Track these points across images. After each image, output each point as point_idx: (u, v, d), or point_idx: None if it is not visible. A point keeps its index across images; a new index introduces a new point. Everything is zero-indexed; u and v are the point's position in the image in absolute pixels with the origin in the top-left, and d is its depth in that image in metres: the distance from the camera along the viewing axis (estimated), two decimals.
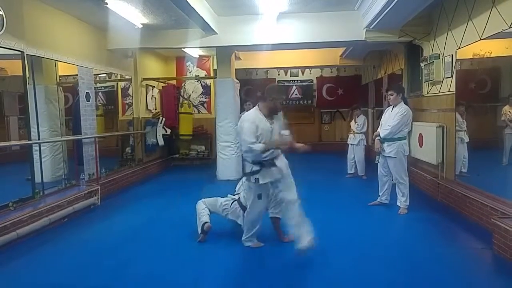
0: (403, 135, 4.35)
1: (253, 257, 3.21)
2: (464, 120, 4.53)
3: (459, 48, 4.46)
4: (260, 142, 3.05)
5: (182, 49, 6.79)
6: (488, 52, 4.09)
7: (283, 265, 3.01)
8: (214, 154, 7.47)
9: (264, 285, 2.73)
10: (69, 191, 4.74)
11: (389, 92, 4.42)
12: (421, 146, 5.30)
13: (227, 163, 6.59)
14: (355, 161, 6.58)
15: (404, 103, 4.51)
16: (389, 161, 4.38)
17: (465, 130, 4.53)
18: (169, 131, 7.79)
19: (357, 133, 6.51)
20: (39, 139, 4.44)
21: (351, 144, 6.60)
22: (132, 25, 5.40)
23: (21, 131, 4.41)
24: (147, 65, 7.78)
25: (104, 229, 4.15)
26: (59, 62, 4.98)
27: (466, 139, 4.55)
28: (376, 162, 4.60)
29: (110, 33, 6.01)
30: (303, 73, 10.66)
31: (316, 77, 10.61)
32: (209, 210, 3.67)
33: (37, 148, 4.43)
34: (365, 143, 6.62)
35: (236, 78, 6.99)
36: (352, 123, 6.75)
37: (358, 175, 6.55)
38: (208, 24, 5.28)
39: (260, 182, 3.14)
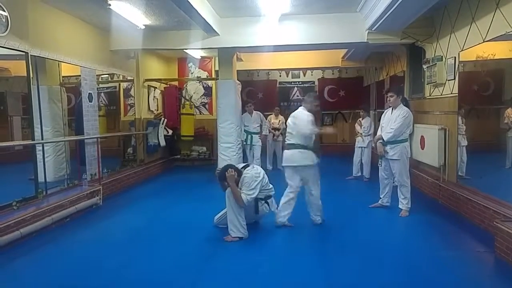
0: (405, 137, 4.36)
1: (253, 257, 3.21)
2: (463, 124, 4.52)
3: (462, 50, 4.46)
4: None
5: (184, 50, 6.80)
6: (492, 54, 4.08)
7: (282, 266, 3.01)
8: (215, 155, 7.47)
9: (264, 285, 2.73)
10: (71, 191, 4.76)
11: (389, 94, 4.43)
12: (423, 149, 5.29)
13: None
14: (361, 163, 6.59)
15: (406, 105, 4.51)
16: (392, 163, 4.38)
17: (463, 134, 4.52)
18: (170, 132, 7.80)
19: (364, 135, 6.52)
20: (42, 139, 4.45)
21: (359, 147, 6.60)
22: (134, 26, 5.42)
23: (25, 131, 4.42)
24: (149, 66, 7.80)
25: (106, 229, 4.16)
26: (62, 63, 5.00)
27: (464, 143, 4.53)
28: (379, 165, 4.60)
29: (113, 34, 6.02)
30: (304, 75, 10.67)
31: (318, 79, 10.61)
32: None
33: (40, 148, 4.45)
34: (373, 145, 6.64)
35: (237, 80, 7.00)
36: (357, 126, 6.74)
37: (362, 178, 6.55)
38: (210, 26, 5.29)
39: None
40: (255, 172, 3.66)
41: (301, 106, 4.04)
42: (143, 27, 5.50)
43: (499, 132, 4.22)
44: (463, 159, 4.56)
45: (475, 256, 3.22)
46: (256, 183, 3.54)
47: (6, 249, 3.37)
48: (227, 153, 6.63)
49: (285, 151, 3.99)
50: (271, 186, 3.85)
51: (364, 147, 6.53)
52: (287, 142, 3.98)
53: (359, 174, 6.63)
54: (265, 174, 3.79)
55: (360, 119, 6.71)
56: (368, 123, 6.56)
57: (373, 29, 5.29)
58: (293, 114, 4.00)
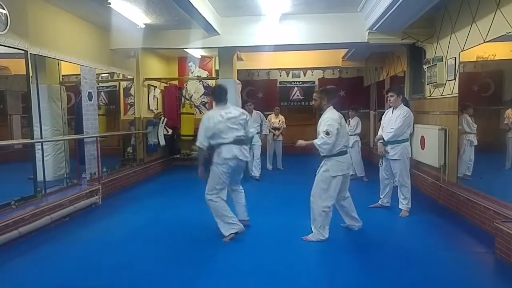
0: (406, 137, 4.36)
1: (252, 256, 3.20)
2: (474, 122, 4.50)
3: (462, 51, 4.46)
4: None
5: (185, 49, 6.79)
6: (492, 54, 4.08)
7: (282, 266, 3.00)
8: None
9: (264, 285, 2.72)
10: (70, 190, 4.75)
11: (390, 94, 4.43)
12: (423, 149, 5.29)
13: None
14: (352, 163, 6.58)
15: (406, 105, 4.51)
16: (392, 163, 4.38)
17: (475, 133, 4.50)
18: (170, 131, 7.80)
19: (351, 135, 6.51)
20: (41, 138, 4.44)
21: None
22: (134, 25, 5.41)
23: (24, 129, 4.41)
24: (149, 65, 7.79)
25: (105, 228, 4.15)
26: (62, 62, 4.99)
27: (475, 142, 4.51)
28: (379, 165, 4.59)
29: (113, 33, 6.01)
30: (305, 75, 10.65)
31: (318, 79, 10.59)
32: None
33: (40, 147, 4.43)
34: (360, 145, 6.64)
35: (238, 79, 6.99)
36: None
37: (357, 177, 6.54)
38: (211, 25, 5.28)
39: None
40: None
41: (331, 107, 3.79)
42: (143, 26, 5.50)
43: (499, 132, 4.21)
44: (471, 159, 4.53)
45: (475, 257, 3.22)
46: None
47: (5, 248, 3.36)
48: None
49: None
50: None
51: (350, 147, 6.50)
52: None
53: (353, 173, 6.61)
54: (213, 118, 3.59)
55: (350, 118, 6.70)
56: (355, 122, 6.57)
57: (373, 29, 5.29)
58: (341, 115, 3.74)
